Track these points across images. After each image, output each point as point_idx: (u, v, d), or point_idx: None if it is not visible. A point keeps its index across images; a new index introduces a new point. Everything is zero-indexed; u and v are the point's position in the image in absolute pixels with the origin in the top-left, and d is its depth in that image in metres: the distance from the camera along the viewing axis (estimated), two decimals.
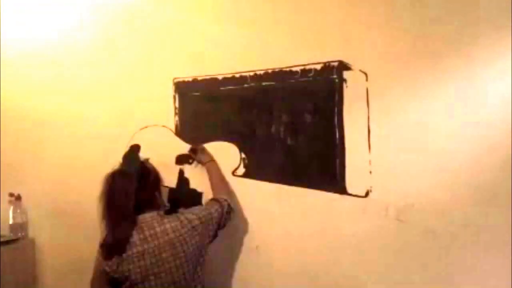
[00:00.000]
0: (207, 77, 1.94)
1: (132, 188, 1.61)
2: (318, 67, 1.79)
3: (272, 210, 1.85)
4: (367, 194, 1.74)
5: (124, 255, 1.56)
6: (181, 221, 1.63)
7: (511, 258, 1.58)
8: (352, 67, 1.75)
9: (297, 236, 1.83)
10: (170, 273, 1.57)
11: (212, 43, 1.93)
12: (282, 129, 1.85)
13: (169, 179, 1.94)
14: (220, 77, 1.92)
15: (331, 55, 1.77)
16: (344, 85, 1.76)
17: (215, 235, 1.73)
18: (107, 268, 1.57)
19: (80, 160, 2.08)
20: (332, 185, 1.78)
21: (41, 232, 2.13)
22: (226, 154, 1.91)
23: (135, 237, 1.58)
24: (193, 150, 1.94)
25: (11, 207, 2.11)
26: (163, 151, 1.97)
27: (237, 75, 1.89)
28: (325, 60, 1.78)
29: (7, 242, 2.00)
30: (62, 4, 2.11)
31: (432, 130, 1.68)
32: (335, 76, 1.77)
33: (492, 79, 1.62)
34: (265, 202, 1.86)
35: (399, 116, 1.71)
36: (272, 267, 1.86)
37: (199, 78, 1.95)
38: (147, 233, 1.58)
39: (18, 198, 2.12)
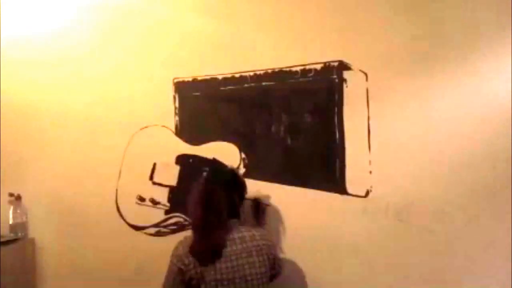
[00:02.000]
0: (207, 77, 1.94)
1: (224, 195, 1.58)
2: (318, 67, 1.79)
3: (272, 210, 1.85)
4: (367, 194, 1.74)
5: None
6: (260, 233, 1.59)
7: (511, 258, 1.59)
8: (352, 67, 1.75)
9: (297, 236, 1.83)
10: (244, 281, 1.51)
11: (212, 43, 1.93)
12: (282, 129, 1.85)
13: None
14: (220, 77, 1.92)
15: (331, 55, 1.78)
16: (344, 85, 1.76)
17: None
18: (183, 268, 1.51)
19: (80, 160, 2.08)
20: (332, 185, 1.78)
21: (41, 232, 2.12)
22: (226, 154, 1.91)
23: None
24: None
25: (11, 207, 2.10)
26: (163, 151, 1.97)
27: (237, 75, 1.89)
28: (325, 60, 1.78)
29: (7, 242, 2.00)
30: (62, 3, 2.11)
31: (431, 130, 1.68)
32: (335, 76, 1.77)
33: (492, 79, 1.62)
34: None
35: (399, 116, 1.72)
36: None
37: (199, 78, 1.95)
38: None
39: (18, 198, 2.12)
